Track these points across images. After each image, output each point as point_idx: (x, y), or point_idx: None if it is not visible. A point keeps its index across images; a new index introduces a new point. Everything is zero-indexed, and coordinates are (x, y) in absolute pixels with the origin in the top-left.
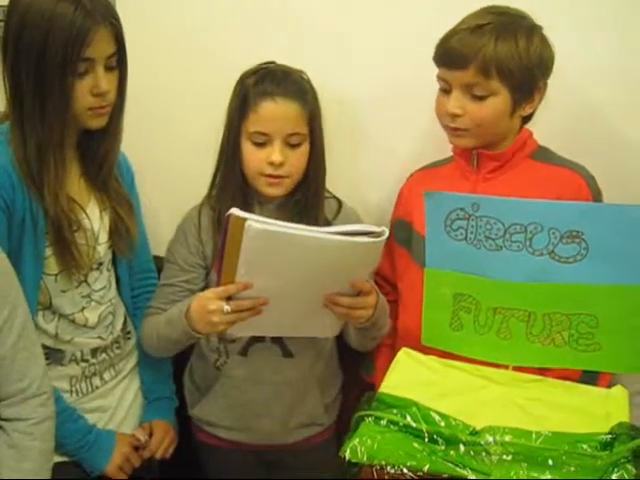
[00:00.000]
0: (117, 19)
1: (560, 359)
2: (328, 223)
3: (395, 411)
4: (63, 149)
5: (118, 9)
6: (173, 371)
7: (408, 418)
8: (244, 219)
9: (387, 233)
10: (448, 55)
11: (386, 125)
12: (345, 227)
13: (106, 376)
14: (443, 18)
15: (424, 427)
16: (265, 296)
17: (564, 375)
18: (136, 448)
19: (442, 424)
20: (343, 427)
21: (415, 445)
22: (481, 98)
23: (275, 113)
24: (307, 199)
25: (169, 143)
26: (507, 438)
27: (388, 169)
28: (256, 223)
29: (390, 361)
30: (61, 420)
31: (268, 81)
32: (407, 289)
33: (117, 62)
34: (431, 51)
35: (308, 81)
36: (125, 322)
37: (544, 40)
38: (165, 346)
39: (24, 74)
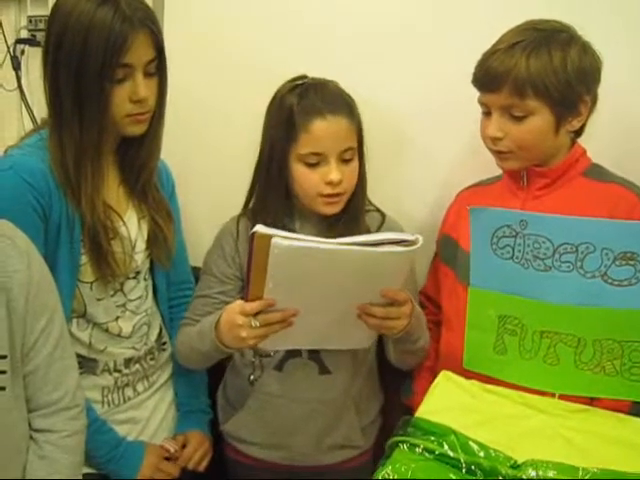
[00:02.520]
0: (156, 25)
1: (610, 389)
2: None
3: (432, 438)
4: (101, 155)
5: (165, 20)
6: (209, 385)
7: (445, 446)
8: (270, 236)
9: (421, 241)
10: (482, 78)
11: (429, 138)
12: (377, 235)
13: (139, 387)
14: (489, 30)
15: (462, 457)
16: (296, 309)
17: (613, 406)
18: (167, 459)
19: (481, 455)
20: (381, 451)
21: (451, 476)
22: (521, 118)
23: (328, 131)
24: (351, 212)
25: (212, 154)
26: (551, 474)
27: (430, 183)
28: (282, 240)
29: (430, 385)
30: (90, 431)
31: (312, 98)
32: (452, 310)
33: (156, 68)
34: (469, 67)
35: (345, 91)
36: (160, 333)
37: (585, 51)
38: (197, 359)
39: (63, 80)
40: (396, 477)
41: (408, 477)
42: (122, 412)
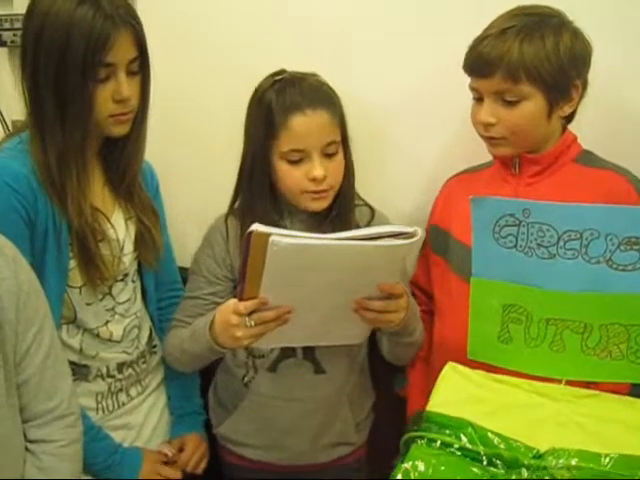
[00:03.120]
0: (138, 22)
1: (617, 373)
2: None
3: (448, 432)
4: (85, 157)
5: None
6: (200, 386)
7: (463, 439)
8: (268, 234)
9: (420, 234)
10: (474, 64)
11: (412, 132)
12: (376, 229)
13: (132, 392)
14: (470, 23)
15: (481, 449)
16: (291, 306)
17: (612, 389)
18: (165, 464)
19: (502, 446)
20: (375, 447)
21: (474, 470)
22: (513, 103)
23: (308, 127)
24: (340, 207)
25: (194, 152)
26: (573, 461)
27: (415, 176)
28: (280, 238)
29: (423, 374)
30: (87, 439)
31: (290, 93)
32: (444, 299)
33: (139, 67)
34: (457, 56)
35: (326, 83)
36: (150, 336)
37: (576, 36)
38: (189, 361)
39: (43, 81)
40: (416, 473)
41: (430, 473)
42: (117, 418)
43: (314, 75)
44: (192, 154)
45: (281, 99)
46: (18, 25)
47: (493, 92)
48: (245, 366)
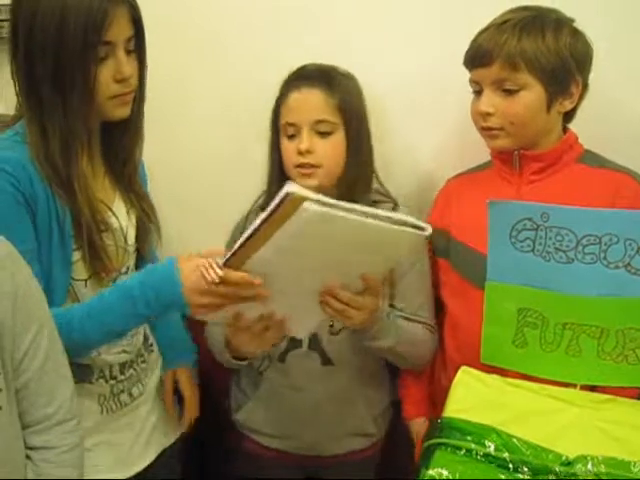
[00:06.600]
0: None
1: (633, 377)
2: None
3: (469, 438)
4: (91, 144)
5: None
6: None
7: (489, 446)
8: (304, 198)
9: (430, 230)
10: (473, 55)
11: (409, 131)
12: (394, 214)
13: (134, 392)
14: (471, 14)
15: (507, 456)
16: (274, 281)
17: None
18: None
19: (528, 453)
20: (391, 442)
21: (502, 477)
22: (512, 93)
23: (300, 101)
24: (350, 193)
25: (175, 147)
26: (602, 468)
27: (411, 175)
28: (316, 205)
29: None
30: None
31: (299, 74)
32: (453, 301)
33: (134, 45)
34: (453, 51)
35: (344, 73)
36: (145, 333)
37: (576, 33)
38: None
39: (40, 66)
40: None
41: None
42: (119, 418)
43: (335, 67)
44: (174, 150)
45: (291, 79)
46: (2, 17)
47: (492, 82)
48: (261, 354)
